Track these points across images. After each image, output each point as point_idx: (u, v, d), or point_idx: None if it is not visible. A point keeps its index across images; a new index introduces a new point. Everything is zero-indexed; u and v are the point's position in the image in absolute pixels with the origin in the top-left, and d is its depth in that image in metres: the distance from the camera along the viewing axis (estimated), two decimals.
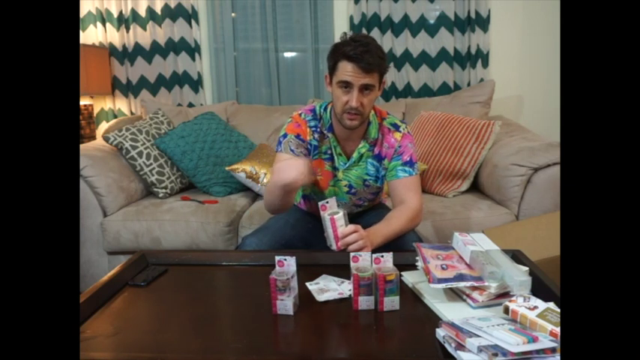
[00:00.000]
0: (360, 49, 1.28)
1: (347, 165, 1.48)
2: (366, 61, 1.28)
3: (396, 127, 1.48)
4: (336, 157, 1.49)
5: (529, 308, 0.91)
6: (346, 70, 1.31)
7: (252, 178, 2.24)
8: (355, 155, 1.47)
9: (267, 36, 2.81)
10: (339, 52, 1.32)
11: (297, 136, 1.46)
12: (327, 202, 1.25)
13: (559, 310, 0.89)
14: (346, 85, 1.33)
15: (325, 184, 1.52)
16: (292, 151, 1.44)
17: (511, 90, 2.80)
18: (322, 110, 1.49)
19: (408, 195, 1.42)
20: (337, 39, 1.38)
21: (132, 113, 2.95)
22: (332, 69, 1.36)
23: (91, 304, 1.09)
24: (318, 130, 1.47)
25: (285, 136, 1.46)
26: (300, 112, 1.50)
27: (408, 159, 1.45)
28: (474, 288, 1.02)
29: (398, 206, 1.43)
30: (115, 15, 2.84)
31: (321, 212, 1.24)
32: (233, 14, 2.84)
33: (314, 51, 2.79)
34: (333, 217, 1.22)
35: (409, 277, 1.18)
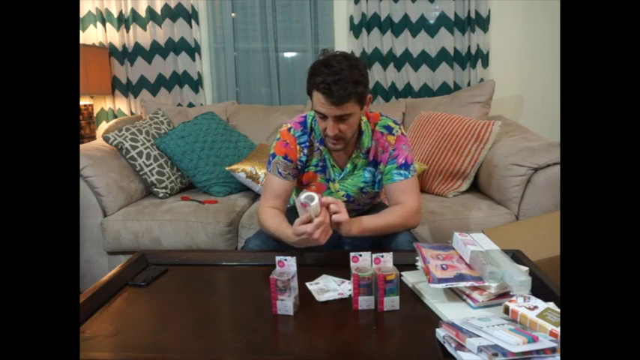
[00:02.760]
0: (330, 80, 1.22)
1: (342, 175, 1.48)
2: (336, 94, 1.22)
3: (389, 130, 1.44)
4: (330, 169, 1.48)
5: (529, 308, 0.91)
6: (319, 101, 1.27)
7: (252, 178, 2.24)
8: (349, 166, 1.46)
9: (267, 36, 2.81)
10: (312, 81, 1.27)
11: (285, 157, 1.44)
12: (305, 199, 1.19)
13: (559, 310, 0.89)
14: (322, 115, 1.31)
15: None
16: (280, 173, 1.45)
17: (511, 90, 2.80)
18: (314, 122, 1.45)
19: (403, 198, 1.41)
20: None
21: (132, 113, 2.95)
22: (309, 94, 1.32)
23: (91, 304, 1.09)
24: (308, 144, 1.45)
25: (274, 156, 1.46)
26: (289, 126, 1.47)
27: (403, 162, 1.42)
28: (474, 288, 1.02)
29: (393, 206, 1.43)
30: (115, 15, 2.84)
31: (305, 207, 1.19)
32: (233, 14, 2.84)
33: (314, 51, 2.79)
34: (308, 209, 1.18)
35: (409, 277, 1.18)
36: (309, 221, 1.20)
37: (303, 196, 1.18)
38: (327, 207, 1.24)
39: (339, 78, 1.22)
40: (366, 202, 1.57)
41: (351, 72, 1.24)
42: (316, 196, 1.18)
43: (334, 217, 1.25)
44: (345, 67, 1.24)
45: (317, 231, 1.19)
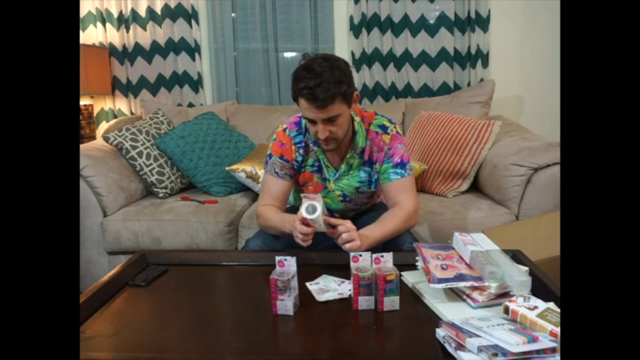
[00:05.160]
0: (312, 84, 1.22)
1: (337, 176, 1.48)
2: (319, 98, 1.22)
3: (384, 129, 1.44)
4: (324, 169, 1.48)
5: (529, 308, 0.91)
6: (304, 107, 1.27)
7: (252, 178, 2.24)
8: (344, 167, 1.46)
9: (267, 36, 2.81)
10: (295, 87, 1.26)
11: (281, 157, 1.45)
12: (307, 212, 1.19)
13: (559, 310, 0.89)
14: (310, 119, 1.31)
15: None
16: (277, 173, 1.46)
17: (511, 90, 2.79)
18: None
19: (401, 197, 1.41)
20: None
21: (132, 113, 2.95)
22: (295, 100, 1.31)
23: (91, 304, 1.09)
24: (304, 145, 1.46)
25: (270, 156, 1.47)
26: (284, 126, 1.47)
27: (399, 160, 1.42)
28: (474, 288, 1.02)
29: (392, 208, 1.43)
30: (115, 15, 2.84)
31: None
32: (233, 14, 2.84)
33: (314, 51, 2.79)
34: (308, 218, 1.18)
35: (409, 277, 1.18)
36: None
37: (304, 207, 1.18)
38: (339, 235, 1.22)
39: (320, 81, 1.22)
40: (363, 202, 1.57)
41: (332, 73, 1.23)
42: (318, 208, 1.18)
43: (347, 246, 1.21)
44: (325, 69, 1.23)
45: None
